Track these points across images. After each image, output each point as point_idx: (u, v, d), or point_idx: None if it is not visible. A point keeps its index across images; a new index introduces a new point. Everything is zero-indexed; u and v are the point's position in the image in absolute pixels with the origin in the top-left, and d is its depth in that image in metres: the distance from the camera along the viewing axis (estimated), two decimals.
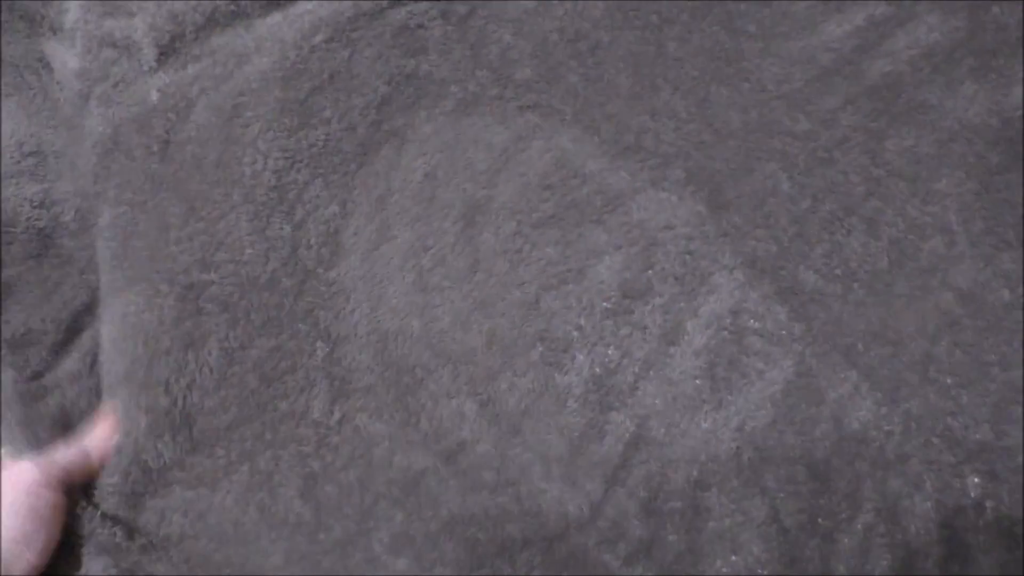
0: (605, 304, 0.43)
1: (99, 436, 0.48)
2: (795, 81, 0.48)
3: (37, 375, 0.52)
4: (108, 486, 0.47)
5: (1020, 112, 0.45)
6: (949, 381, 0.40)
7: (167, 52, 0.55)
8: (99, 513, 0.47)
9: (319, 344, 0.46)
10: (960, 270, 0.42)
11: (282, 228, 0.48)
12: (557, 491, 0.43)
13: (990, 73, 0.46)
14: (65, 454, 0.46)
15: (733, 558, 0.40)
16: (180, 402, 0.47)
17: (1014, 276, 0.42)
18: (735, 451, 0.41)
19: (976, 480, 0.39)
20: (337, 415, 0.46)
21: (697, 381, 0.42)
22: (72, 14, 0.58)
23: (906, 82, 0.47)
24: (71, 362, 0.52)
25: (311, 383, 0.46)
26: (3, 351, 0.52)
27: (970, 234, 0.42)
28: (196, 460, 0.47)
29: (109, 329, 0.50)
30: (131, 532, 0.47)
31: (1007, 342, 0.41)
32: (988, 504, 0.39)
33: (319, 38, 0.50)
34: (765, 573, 0.39)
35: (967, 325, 0.41)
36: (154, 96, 0.54)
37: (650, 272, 0.44)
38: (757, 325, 0.42)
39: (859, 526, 0.40)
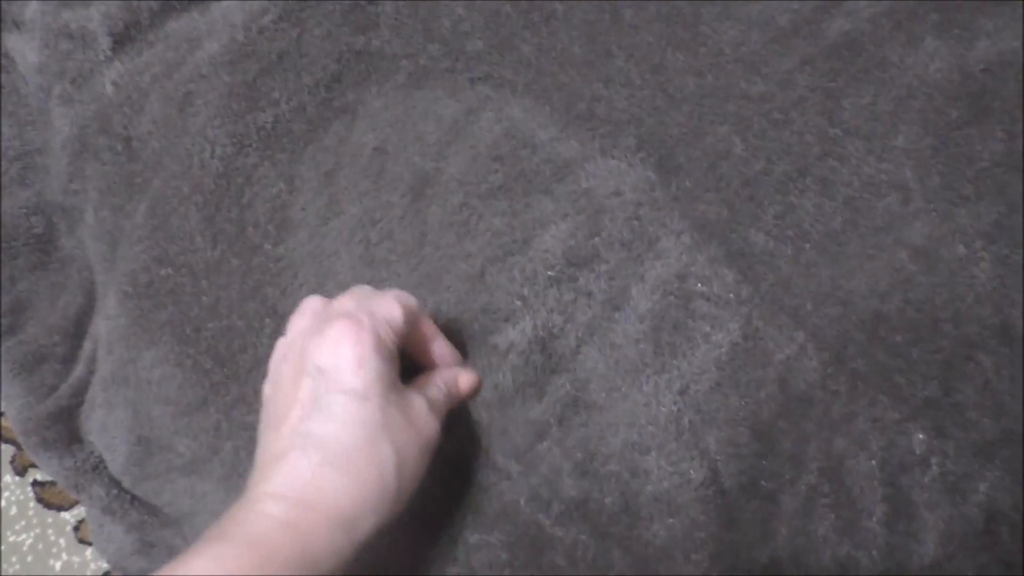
0: (549, 272, 0.43)
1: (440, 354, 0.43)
2: (753, 43, 0.47)
3: (52, 390, 0.53)
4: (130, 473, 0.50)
5: (982, 66, 0.44)
6: (898, 339, 0.40)
7: (122, 40, 0.55)
8: (129, 496, 0.51)
9: (267, 321, 0.47)
10: (915, 227, 0.41)
11: (230, 211, 0.49)
12: (485, 442, 0.43)
13: (953, 28, 0.46)
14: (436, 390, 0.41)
15: (670, 520, 0.39)
16: (149, 398, 0.48)
17: (970, 231, 0.41)
18: (675, 414, 0.40)
19: (921, 436, 0.38)
20: None
21: (640, 345, 0.42)
22: (31, 6, 0.59)
23: (866, 41, 0.46)
24: (79, 370, 0.53)
25: (259, 362, 0.46)
26: (19, 376, 0.53)
27: (926, 190, 0.42)
28: (180, 451, 0.48)
29: (102, 332, 0.51)
30: (154, 510, 0.51)
31: (960, 298, 0.40)
32: (934, 460, 0.38)
33: (267, 19, 0.50)
34: (702, 535, 0.39)
35: (920, 282, 0.40)
36: (109, 89, 0.54)
37: (596, 240, 0.43)
38: (703, 288, 0.42)
39: (802, 487, 0.39)
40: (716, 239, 0.43)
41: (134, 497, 0.51)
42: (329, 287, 0.46)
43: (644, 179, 0.44)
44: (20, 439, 0.55)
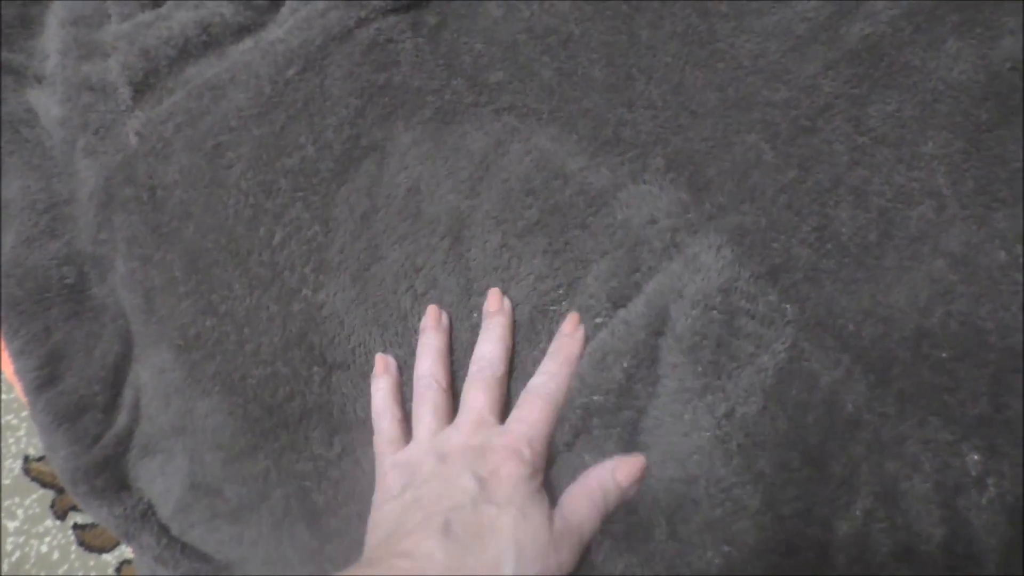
0: (597, 320, 0.44)
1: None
2: (771, 54, 0.48)
3: (96, 439, 0.54)
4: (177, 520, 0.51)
5: (1008, 65, 0.44)
6: (944, 355, 0.40)
7: (142, 89, 0.57)
8: (180, 545, 0.52)
9: (315, 369, 0.48)
10: (951, 234, 0.41)
11: (261, 255, 0.50)
12: None
13: (975, 27, 0.46)
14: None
15: (725, 548, 0.40)
16: (204, 445, 0.49)
17: (1010, 235, 0.41)
18: (721, 438, 0.41)
19: (976, 457, 0.38)
20: (337, 448, 0.47)
21: (679, 369, 0.42)
22: (52, 60, 0.60)
23: (887, 44, 0.47)
24: (122, 419, 0.54)
25: (308, 412, 0.47)
26: (63, 426, 0.54)
27: (960, 196, 0.42)
28: (227, 496, 0.49)
29: (149, 382, 0.53)
30: (205, 558, 0.52)
31: (1004, 307, 0.40)
32: (990, 481, 0.38)
33: (292, 71, 0.52)
34: (761, 563, 0.39)
35: (961, 292, 0.41)
36: (133, 140, 0.56)
37: (637, 275, 0.44)
38: (748, 306, 0.42)
39: (857, 512, 0.39)
40: (757, 254, 0.43)
41: (184, 545, 0.53)
42: (381, 338, 0.47)
43: (677, 201, 0.45)
44: (68, 488, 0.56)
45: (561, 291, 0.45)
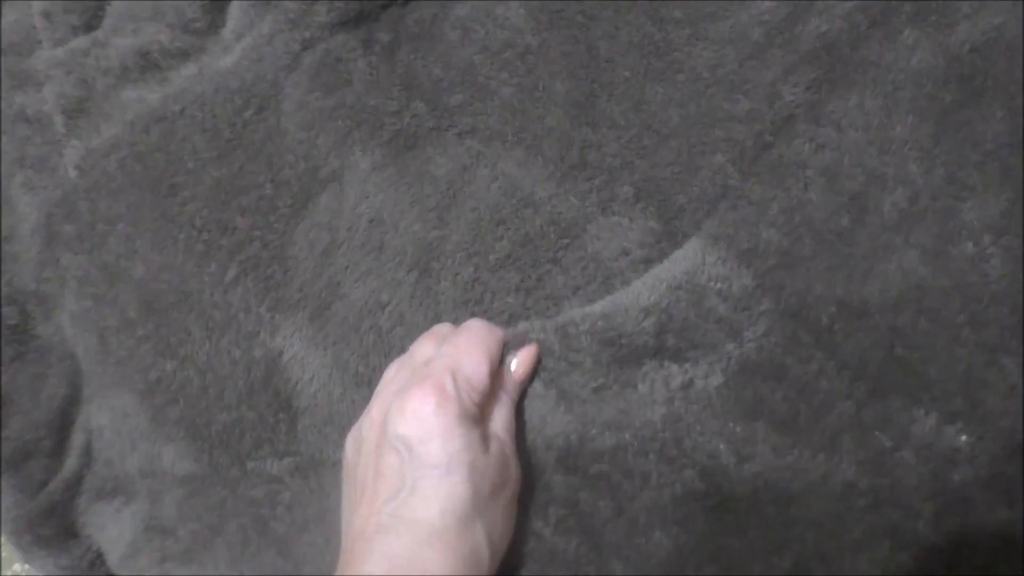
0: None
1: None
2: (729, 63, 0.48)
3: (42, 485, 0.52)
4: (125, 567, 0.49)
5: (967, 47, 0.44)
6: (916, 356, 0.39)
7: (76, 115, 0.54)
8: None
9: (281, 416, 0.47)
10: (923, 225, 0.41)
11: (212, 295, 0.48)
12: None
13: (930, 15, 0.45)
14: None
15: (675, 529, 0.38)
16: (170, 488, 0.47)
17: (977, 225, 0.40)
18: (677, 414, 0.40)
19: (964, 438, 0.37)
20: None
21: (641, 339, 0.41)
22: None
23: (843, 42, 0.46)
24: (71, 463, 0.52)
25: (279, 456, 0.46)
26: (6, 474, 0.51)
27: (932, 185, 0.41)
28: (180, 535, 0.48)
29: (108, 425, 0.51)
30: None
31: (976, 300, 0.39)
32: (982, 459, 0.37)
33: (249, 112, 0.51)
34: (710, 547, 0.38)
35: (931, 287, 0.40)
36: (72, 173, 0.54)
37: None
38: (720, 287, 0.41)
39: (836, 485, 0.38)
40: (725, 239, 0.42)
41: None
42: (342, 380, 0.46)
43: (648, 231, 0.45)
44: (11, 539, 0.54)
45: (535, 333, 0.44)
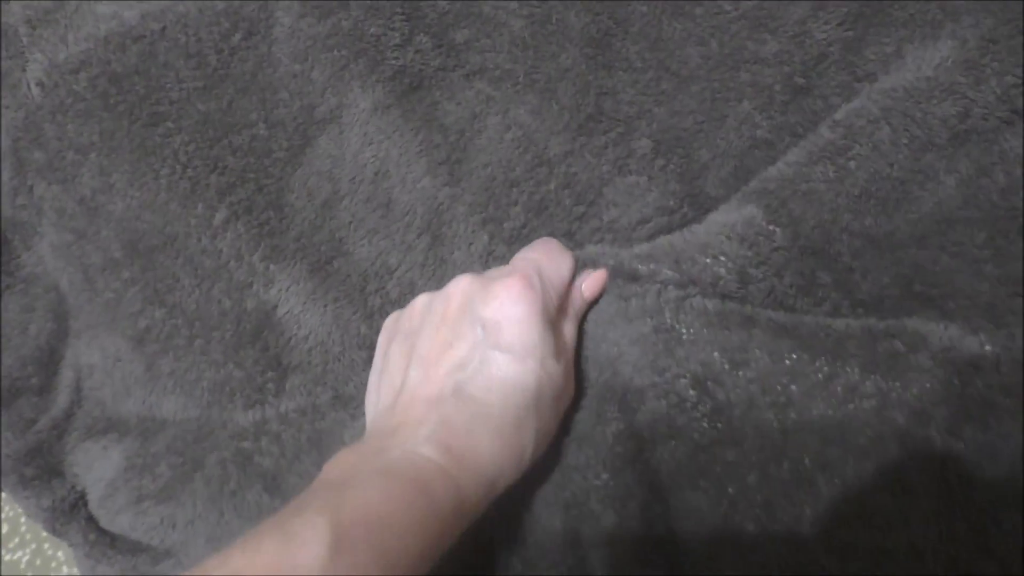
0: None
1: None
2: None
3: (31, 424, 0.51)
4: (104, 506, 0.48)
5: None
6: (935, 292, 0.37)
7: (39, 25, 0.50)
8: (109, 538, 0.49)
9: (270, 375, 0.45)
10: (966, 149, 0.38)
11: (200, 239, 0.46)
12: None
13: None
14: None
15: (672, 443, 0.37)
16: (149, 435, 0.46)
17: (1011, 156, 0.38)
18: (670, 327, 0.39)
19: (988, 348, 0.35)
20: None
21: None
22: None
23: None
24: (61, 400, 0.51)
25: (266, 419, 0.45)
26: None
27: (984, 101, 0.38)
28: (158, 471, 0.47)
29: (99, 365, 0.49)
30: (139, 547, 0.48)
31: (1002, 233, 0.37)
32: (1004, 368, 0.35)
33: (237, 37, 0.46)
34: (706, 457, 0.37)
35: (959, 218, 0.38)
36: (35, 91, 0.50)
37: None
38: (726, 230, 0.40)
39: (839, 388, 0.36)
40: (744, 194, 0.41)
41: (115, 538, 0.49)
42: (342, 341, 0.44)
43: (668, 194, 0.42)
44: None
45: None
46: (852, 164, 0.39)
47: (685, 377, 0.37)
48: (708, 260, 0.39)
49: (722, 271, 0.39)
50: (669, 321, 0.38)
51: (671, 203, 0.42)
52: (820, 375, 0.36)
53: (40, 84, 0.49)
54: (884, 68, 0.41)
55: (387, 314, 0.43)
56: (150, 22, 0.48)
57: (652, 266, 0.39)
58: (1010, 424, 0.34)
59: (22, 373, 0.52)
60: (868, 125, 0.40)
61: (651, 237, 0.42)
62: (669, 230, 0.42)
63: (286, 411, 0.44)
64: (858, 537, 0.34)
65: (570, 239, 0.43)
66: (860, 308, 0.38)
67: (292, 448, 0.44)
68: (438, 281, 0.43)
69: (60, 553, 0.76)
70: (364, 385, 0.42)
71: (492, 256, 0.43)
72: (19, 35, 0.51)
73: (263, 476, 0.44)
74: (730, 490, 0.36)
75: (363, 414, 0.41)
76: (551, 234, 0.43)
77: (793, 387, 0.36)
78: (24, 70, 0.51)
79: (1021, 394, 0.34)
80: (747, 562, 0.35)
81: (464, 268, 0.43)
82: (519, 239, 0.43)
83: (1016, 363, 0.35)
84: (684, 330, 0.38)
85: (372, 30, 0.46)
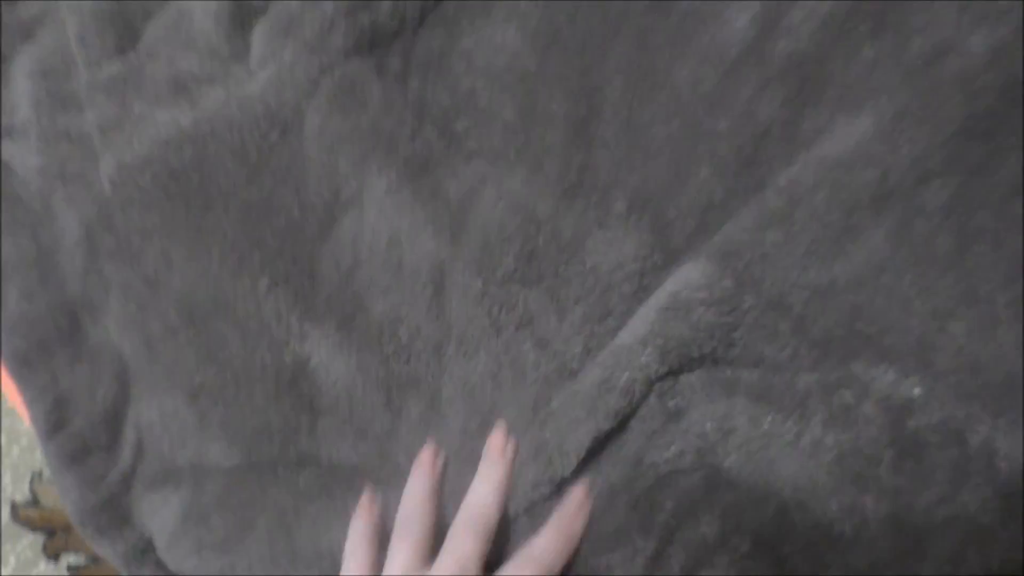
0: (573, 366, 0.49)
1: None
2: (708, 80, 0.52)
3: (101, 478, 0.58)
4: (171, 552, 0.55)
5: (920, 60, 0.48)
6: (874, 329, 0.44)
7: (111, 131, 0.59)
8: (165, 572, 0.56)
9: (303, 418, 0.52)
10: (889, 205, 0.45)
11: (247, 304, 0.54)
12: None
13: (885, 32, 0.50)
14: None
15: (673, 493, 0.44)
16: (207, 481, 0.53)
17: (930, 207, 0.45)
18: (660, 392, 0.46)
19: (918, 390, 0.43)
20: (315, 488, 0.52)
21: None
22: (23, 112, 0.63)
23: (810, 60, 0.50)
24: (125, 456, 0.58)
25: (301, 459, 0.52)
26: (72, 469, 0.57)
27: (898, 167, 0.46)
28: (213, 525, 0.54)
29: (157, 421, 0.57)
30: None
31: (925, 273, 0.44)
32: (935, 406, 0.42)
33: (275, 136, 0.55)
34: (707, 501, 0.44)
35: (889, 264, 0.45)
36: (107, 187, 0.59)
37: (610, 319, 0.49)
38: (704, 296, 0.46)
39: (806, 443, 0.43)
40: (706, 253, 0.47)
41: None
42: (363, 384, 0.51)
43: (641, 243, 0.50)
44: (78, 528, 0.60)
45: (538, 352, 0.50)
46: (795, 228, 0.46)
47: (690, 452, 0.45)
48: (691, 333, 0.46)
49: (710, 340, 0.46)
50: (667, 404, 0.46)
51: (644, 251, 0.49)
52: (791, 435, 0.44)
53: (111, 181, 0.58)
54: (818, 140, 0.49)
55: (399, 358, 0.50)
56: (202, 126, 0.57)
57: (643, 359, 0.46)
58: (937, 455, 0.42)
59: (92, 434, 0.60)
60: (806, 193, 0.47)
61: (628, 279, 0.49)
62: (642, 273, 0.49)
63: (318, 450, 0.51)
64: (828, 557, 0.43)
65: (557, 279, 0.50)
66: (815, 350, 0.45)
67: (322, 487, 0.52)
68: (442, 324, 0.51)
69: None
70: (383, 423, 0.50)
71: (486, 296, 0.50)
72: (93, 140, 0.60)
73: (295, 552, 0.52)
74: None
75: (382, 455, 0.49)
76: (540, 276, 0.50)
77: (771, 448, 0.44)
78: (97, 169, 0.60)
79: (944, 429, 0.42)
80: None
81: (462, 310, 0.51)
82: (511, 281, 0.50)
83: (939, 401, 0.43)
84: (684, 406, 0.45)
85: (387, 126, 0.55)
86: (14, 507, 1.09)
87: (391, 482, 0.49)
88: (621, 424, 0.46)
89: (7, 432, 1.12)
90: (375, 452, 0.51)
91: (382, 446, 0.51)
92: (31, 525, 1.04)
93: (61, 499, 0.60)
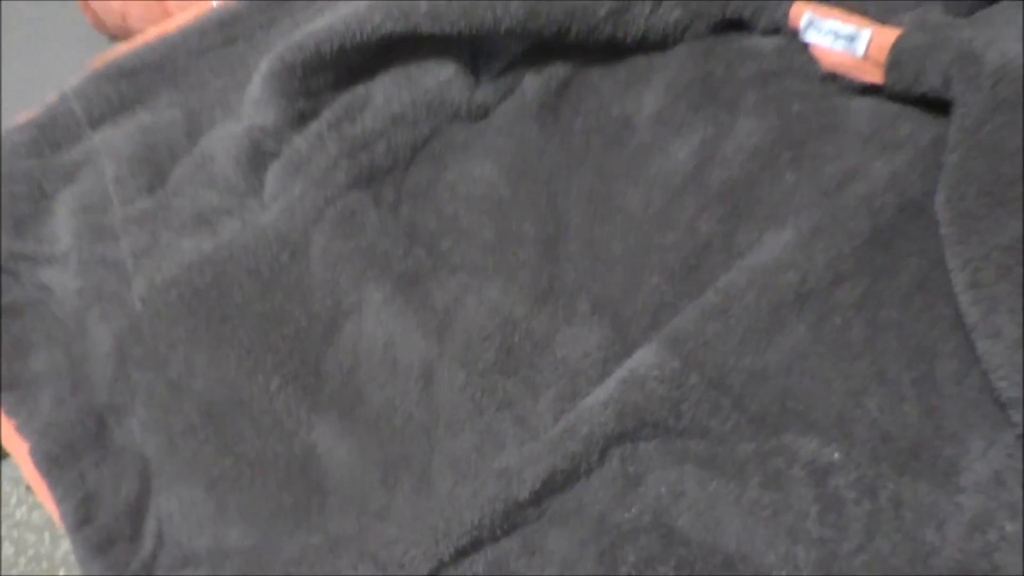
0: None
1: None
2: (656, 203, 0.61)
3: (125, 566, 0.63)
4: None
5: (833, 184, 0.59)
6: (801, 407, 0.52)
7: (142, 257, 0.68)
8: None
9: (313, 499, 0.58)
10: (809, 303, 0.54)
11: (261, 401, 0.61)
12: None
13: (803, 161, 0.60)
14: None
15: (643, 553, 0.50)
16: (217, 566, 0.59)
17: (844, 304, 0.54)
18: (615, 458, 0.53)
19: (837, 455, 0.50)
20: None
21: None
22: (64, 242, 0.71)
23: (742, 185, 0.60)
24: (147, 546, 0.63)
25: (310, 536, 0.58)
26: (98, 559, 0.63)
27: (815, 271, 0.55)
28: None
29: (177, 511, 0.62)
30: None
31: (842, 358, 0.53)
32: (852, 467, 0.50)
33: (285, 257, 0.64)
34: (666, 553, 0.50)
35: (811, 352, 0.53)
36: (138, 305, 0.67)
37: (578, 399, 0.56)
38: (657, 373, 0.53)
39: (745, 503, 0.50)
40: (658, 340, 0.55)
41: None
42: (363, 466, 0.58)
43: (604, 337, 0.58)
44: None
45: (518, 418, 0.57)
46: (732, 321, 0.55)
47: (647, 513, 0.51)
48: (645, 402, 0.53)
49: (660, 409, 0.53)
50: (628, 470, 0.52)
51: (606, 343, 0.58)
52: (733, 496, 0.51)
53: (142, 299, 0.66)
54: (749, 250, 0.58)
55: (396, 439, 0.57)
56: (221, 251, 0.65)
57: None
58: (854, 508, 0.50)
59: (115, 527, 0.65)
60: (739, 292, 0.55)
61: (593, 366, 0.57)
62: (605, 361, 0.57)
63: (325, 524, 0.58)
64: None
65: (532, 368, 0.58)
66: (752, 424, 0.53)
67: (328, 556, 0.56)
68: (431, 410, 0.58)
69: None
70: (380, 498, 0.56)
71: (469, 385, 0.58)
72: (127, 265, 0.69)
73: None
74: None
75: (380, 525, 0.55)
76: (517, 367, 0.58)
77: (716, 508, 0.51)
78: (130, 289, 0.68)
79: (859, 486, 0.50)
80: None
81: (448, 398, 0.58)
82: (491, 372, 0.58)
83: (855, 463, 0.51)
84: (643, 472, 0.52)
85: (382, 247, 0.64)
86: None
87: (386, 548, 0.54)
88: (586, 479, 0.53)
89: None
90: (374, 523, 0.57)
91: (380, 517, 0.57)
92: None
93: None
